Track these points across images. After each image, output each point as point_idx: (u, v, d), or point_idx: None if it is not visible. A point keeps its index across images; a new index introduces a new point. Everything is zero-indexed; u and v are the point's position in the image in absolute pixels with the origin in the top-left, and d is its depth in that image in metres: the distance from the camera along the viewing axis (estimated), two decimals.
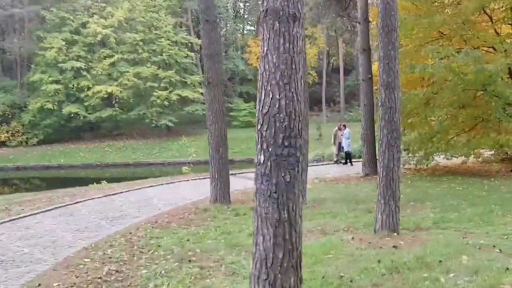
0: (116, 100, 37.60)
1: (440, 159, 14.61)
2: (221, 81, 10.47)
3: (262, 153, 3.53)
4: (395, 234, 6.04)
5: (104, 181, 16.80)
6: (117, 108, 37.75)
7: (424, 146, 14.18)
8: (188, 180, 15.46)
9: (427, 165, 14.54)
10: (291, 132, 3.51)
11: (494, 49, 13.43)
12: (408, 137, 15.30)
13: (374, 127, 14.32)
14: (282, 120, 3.50)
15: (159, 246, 6.61)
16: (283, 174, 3.47)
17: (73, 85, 37.03)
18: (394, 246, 5.42)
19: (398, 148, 6.16)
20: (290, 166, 3.50)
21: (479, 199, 9.24)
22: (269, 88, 3.54)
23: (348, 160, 17.88)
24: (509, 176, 13.11)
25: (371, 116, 14.28)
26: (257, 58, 44.37)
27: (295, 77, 3.57)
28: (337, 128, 18.50)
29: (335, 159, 18.67)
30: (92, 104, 36.97)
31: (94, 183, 15.91)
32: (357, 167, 16.51)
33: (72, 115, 36.78)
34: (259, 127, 3.58)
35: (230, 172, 19.14)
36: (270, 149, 3.49)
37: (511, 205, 8.45)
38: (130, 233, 7.66)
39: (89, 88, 36.70)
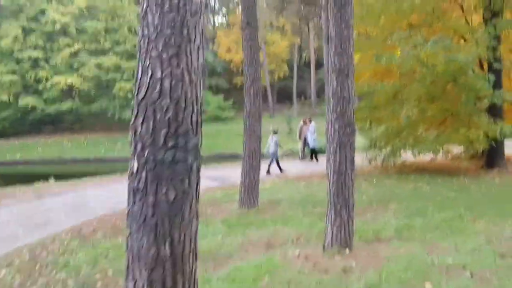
0: (77, 92, 35.72)
1: (408, 156, 13.80)
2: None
3: (135, 158, 2.42)
4: (348, 250, 5.04)
5: (52, 178, 15.38)
6: (77, 101, 35.88)
7: (391, 141, 13.36)
8: None
9: (393, 162, 13.72)
10: (178, 127, 2.41)
11: (465, 39, 12.68)
12: (375, 132, 14.48)
13: None
14: (165, 110, 2.40)
15: (65, 265, 5.42)
16: (164, 190, 2.38)
17: (30, 76, 34.95)
18: (343, 270, 4.40)
19: (352, 147, 5.14)
20: (177, 177, 2.41)
21: (447, 201, 8.39)
22: (147, 63, 2.43)
23: (313, 156, 16.93)
24: (478, 174, 12.40)
25: None
26: (226, 50, 43.15)
27: (187, 47, 2.46)
28: (302, 122, 17.49)
29: (300, 155, 17.69)
30: (51, 96, 35.00)
31: (41, 180, 14.55)
32: (323, 163, 15.60)
33: (30, 107, 34.72)
34: (133, 119, 2.48)
35: None
36: (146, 153, 2.38)
37: (481, 208, 7.62)
38: (42, 246, 6.45)
39: (47, 79, 34.71)
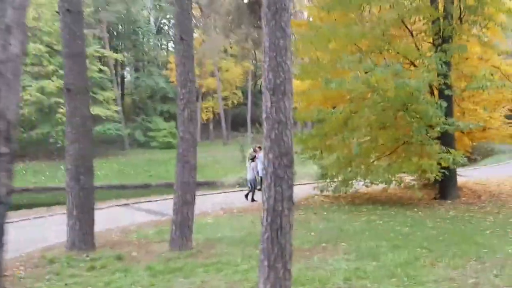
0: None
1: (360, 186, 13.11)
2: (86, 89, 8.08)
3: None
4: None
5: None
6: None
7: (342, 171, 12.65)
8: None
9: (345, 192, 12.99)
10: None
11: (415, 65, 12.33)
12: (326, 161, 13.78)
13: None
14: None
15: None
16: None
17: None
18: None
19: (290, 182, 4.19)
20: None
21: (402, 239, 7.60)
22: None
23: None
24: (432, 206, 11.85)
25: None
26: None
27: None
28: (252, 150, 16.56)
29: (258, 186, 16.65)
30: None
31: None
32: None
33: None
34: None
35: (129, 199, 16.72)
36: None
37: (439, 247, 6.86)
38: None
39: None
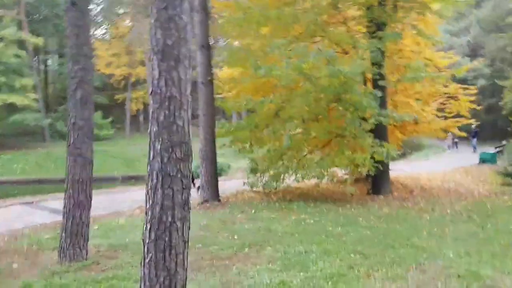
0: None
1: (291, 181, 12.28)
2: None
3: None
4: None
5: None
6: None
7: (273, 165, 11.74)
8: None
9: (276, 188, 12.11)
10: None
11: (346, 53, 11.67)
12: (256, 154, 12.81)
13: (214, 141, 11.43)
14: None
15: None
16: None
17: None
18: None
19: (186, 182, 3.06)
20: None
21: (334, 242, 6.74)
22: None
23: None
24: (365, 202, 11.28)
25: (211, 129, 11.35)
26: (106, 64, 39.46)
27: None
28: None
29: None
30: None
31: None
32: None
33: None
34: None
35: (36, 196, 14.79)
36: None
37: (375, 251, 6.06)
38: None
39: None
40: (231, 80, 12.71)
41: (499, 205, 9.96)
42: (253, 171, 12.40)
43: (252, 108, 11.31)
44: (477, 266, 5.34)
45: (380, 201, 11.46)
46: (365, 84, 11.88)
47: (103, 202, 11.90)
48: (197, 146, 11.62)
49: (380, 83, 11.14)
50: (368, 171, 10.95)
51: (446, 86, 14.24)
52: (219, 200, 11.17)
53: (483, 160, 23.18)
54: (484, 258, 5.71)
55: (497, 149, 26.41)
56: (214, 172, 11.35)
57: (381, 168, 11.15)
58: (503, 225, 7.61)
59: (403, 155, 29.91)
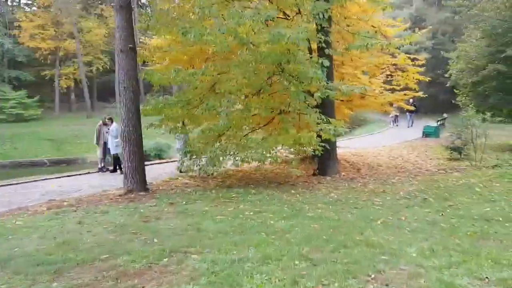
0: None
1: (231, 164, 10.97)
2: None
3: None
4: None
5: None
6: None
7: (209, 147, 10.35)
8: None
9: (212, 174, 10.79)
10: None
11: (287, 16, 10.35)
12: (190, 135, 11.37)
13: (139, 120, 9.82)
14: None
15: None
16: None
17: None
18: None
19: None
20: None
21: (276, 242, 5.51)
22: None
23: (117, 167, 13.02)
24: (312, 185, 10.24)
25: (134, 105, 9.70)
26: (30, 37, 35.80)
27: None
28: (101, 122, 13.37)
29: (99, 166, 13.51)
30: None
31: None
32: None
33: None
34: None
35: None
36: None
37: (322, 255, 4.90)
38: None
39: None
40: (159, 49, 11.04)
41: (452, 184, 9.24)
42: (187, 154, 10.96)
43: (182, 80, 9.76)
44: (449, 272, 4.31)
45: (328, 183, 10.48)
46: (310, 54, 10.67)
47: (8, 194, 10.05)
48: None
49: (327, 51, 9.96)
50: (314, 150, 9.84)
51: (394, 57, 13.39)
52: (146, 190, 9.65)
53: (426, 134, 23.10)
54: (454, 258, 4.72)
55: (439, 123, 26.57)
56: (140, 156, 9.78)
57: (328, 147, 10.10)
58: (465, 210, 6.76)
59: (349, 131, 29.58)
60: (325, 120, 9.89)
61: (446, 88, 33.27)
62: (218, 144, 10.26)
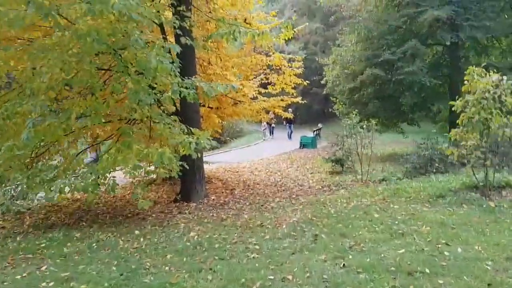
0: None
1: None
2: None
3: None
4: None
5: None
6: None
7: (17, 173, 7.09)
8: None
9: (16, 212, 7.56)
10: None
11: None
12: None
13: None
14: None
15: None
16: None
17: None
18: None
19: None
20: None
21: None
22: None
23: None
24: (170, 217, 7.63)
25: None
26: None
27: None
28: None
29: None
30: None
31: None
32: None
33: None
34: None
35: None
36: None
37: None
38: None
39: None
40: None
41: (344, 209, 7.38)
42: None
43: None
44: None
45: (191, 213, 7.96)
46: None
47: None
48: None
49: (184, 40, 7.48)
50: (170, 173, 7.20)
51: (268, 56, 11.51)
52: None
53: (303, 145, 22.05)
54: None
55: (315, 133, 25.96)
56: None
57: (187, 166, 7.61)
58: (372, 254, 4.74)
59: (224, 143, 27.55)
60: (185, 130, 7.36)
61: (320, 98, 33.52)
62: (28, 170, 7.06)
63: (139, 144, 7.04)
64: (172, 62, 6.50)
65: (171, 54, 6.45)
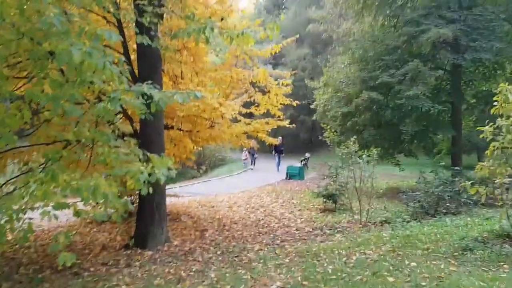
0: None
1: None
2: None
3: None
4: None
5: None
6: None
7: None
8: None
9: None
10: None
11: None
12: None
13: None
14: None
15: None
16: None
17: None
18: None
19: None
20: None
21: None
22: None
23: None
24: (113, 271, 5.63)
25: None
26: None
27: None
28: None
29: None
30: None
31: None
32: None
33: None
34: None
35: None
36: None
37: None
38: None
39: None
40: None
41: (345, 265, 5.54)
42: None
43: None
44: None
45: (142, 266, 5.99)
46: (125, 43, 6.38)
47: None
48: None
49: (141, 39, 5.74)
50: (115, 215, 5.27)
51: (252, 70, 9.80)
52: None
53: (290, 176, 20.19)
54: None
55: (303, 162, 24.21)
56: None
57: (148, 199, 5.73)
58: None
59: (204, 172, 25.58)
60: (141, 156, 5.49)
61: (307, 125, 32.03)
62: None
63: (73, 174, 5.15)
64: (117, 63, 4.72)
65: (127, 56, 4.67)
